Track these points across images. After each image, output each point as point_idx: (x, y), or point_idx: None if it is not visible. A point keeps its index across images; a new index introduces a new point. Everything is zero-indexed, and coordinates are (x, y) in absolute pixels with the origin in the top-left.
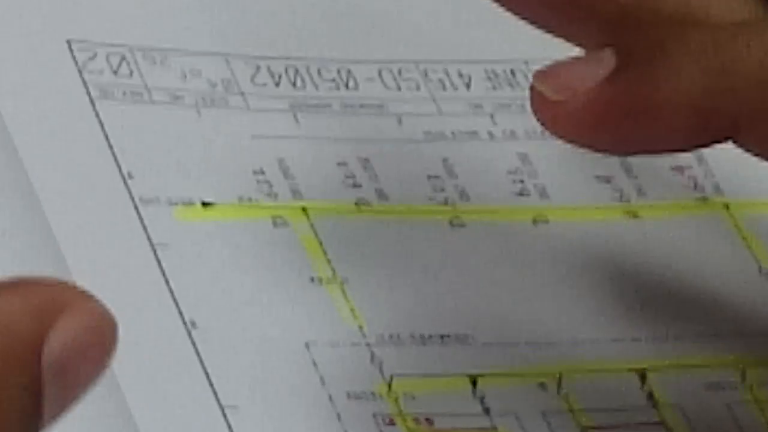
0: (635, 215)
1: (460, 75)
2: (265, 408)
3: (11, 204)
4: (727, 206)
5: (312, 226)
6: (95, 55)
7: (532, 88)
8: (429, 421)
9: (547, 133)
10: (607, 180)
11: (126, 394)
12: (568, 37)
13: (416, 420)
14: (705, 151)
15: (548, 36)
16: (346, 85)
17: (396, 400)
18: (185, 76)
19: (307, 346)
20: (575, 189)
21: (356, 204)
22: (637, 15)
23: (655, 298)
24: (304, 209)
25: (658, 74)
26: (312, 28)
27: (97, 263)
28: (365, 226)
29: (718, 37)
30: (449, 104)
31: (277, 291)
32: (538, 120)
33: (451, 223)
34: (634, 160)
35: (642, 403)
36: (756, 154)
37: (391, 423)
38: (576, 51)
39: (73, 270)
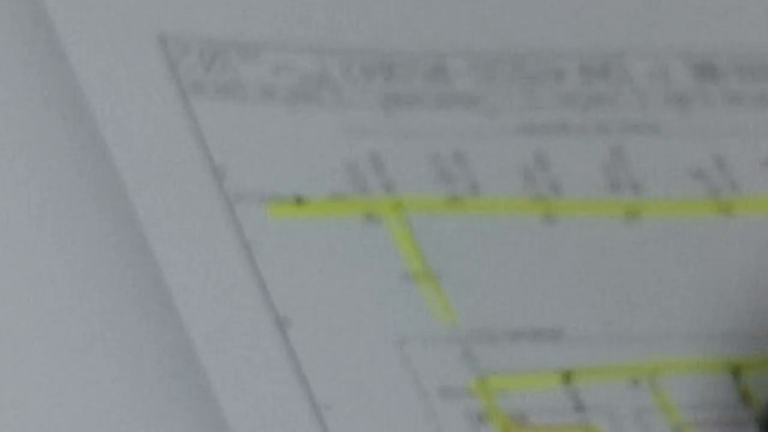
0: (728, 211)
1: (553, 68)
2: (358, 406)
3: (102, 201)
4: None
5: (404, 221)
6: (188, 50)
7: None
8: (522, 418)
9: (640, 126)
10: (701, 175)
11: (218, 393)
12: None
13: (509, 417)
14: None
15: (641, 30)
16: (439, 79)
17: (489, 396)
18: (278, 71)
19: (399, 342)
20: (668, 184)
21: (449, 198)
22: None
23: (748, 294)
24: (396, 204)
25: None
26: (404, 21)
27: (189, 261)
28: (458, 220)
29: None
30: (542, 97)
31: (370, 287)
32: None
33: (543, 218)
34: (728, 155)
35: (736, 400)
36: None
37: (484, 420)
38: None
39: (164, 268)
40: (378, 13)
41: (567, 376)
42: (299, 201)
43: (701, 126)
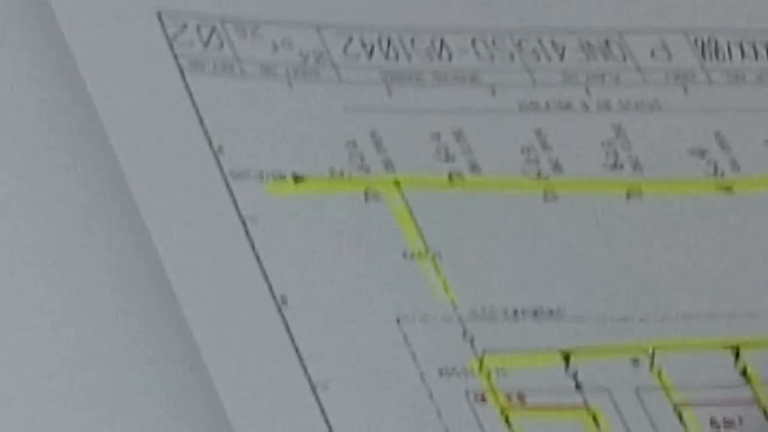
0: (729, 189)
1: (554, 45)
2: (355, 385)
3: (98, 179)
4: None
5: (404, 199)
6: (185, 26)
7: None
8: (521, 397)
9: (641, 103)
10: (702, 153)
11: (213, 371)
12: None
13: (508, 397)
14: None
15: (643, 6)
16: (439, 56)
17: (488, 376)
18: (276, 48)
19: (398, 321)
20: (669, 162)
21: (449, 177)
22: None
23: (749, 273)
24: (396, 182)
25: None
26: None
27: (186, 238)
28: (458, 199)
29: None
30: (543, 75)
31: (369, 266)
32: None
33: (544, 197)
34: (729, 133)
35: (735, 380)
36: None
37: (483, 399)
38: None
39: (160, 246)
40: None
41: (566, 356)
42: (298, 179)
43: (703, 104)
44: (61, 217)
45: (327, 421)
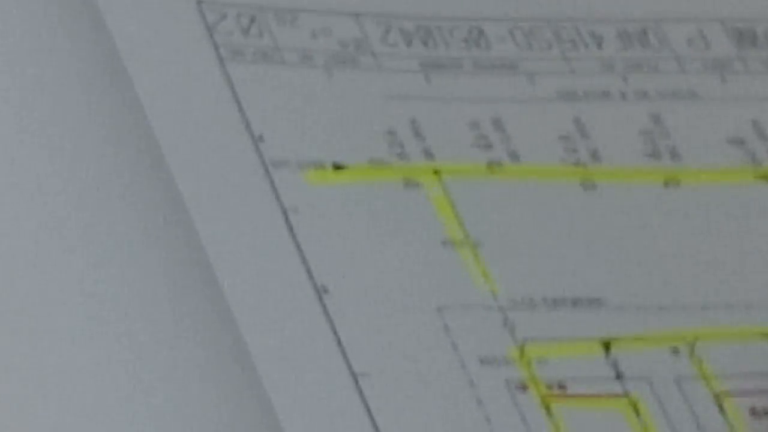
0: (767, 178)
1: (592, 34)
2: (396, 374)
3: (140, 168)
4: None
5: (444, 187)
6: (225, 15)
7: None
8: (561, 386)
9: (679, 92)
10: (740, 142)
11: (256, 361)
12: None
13: (548, 386)
14: None
15: None
16: (478, 44)
17: (528, 365)
18: (316, 36)
19: (439, 310)
20: (707, 151)
21: (488, 165)
22: None
23: None
24: (436, 171)
25: None
26: None
27: (227, 227)
28: (497, 187)
29: None
30: (581, 63)
31: (409, 254)
32: None
33: (582, 185)
34: (766, 122)
35: None
36: None
37: (524, 388)
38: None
39: (202, 235)
40: None
41: (607, 345)
42: (337, 167)
43: (740, 93)
44: (104, 207)
45: (368, 410)
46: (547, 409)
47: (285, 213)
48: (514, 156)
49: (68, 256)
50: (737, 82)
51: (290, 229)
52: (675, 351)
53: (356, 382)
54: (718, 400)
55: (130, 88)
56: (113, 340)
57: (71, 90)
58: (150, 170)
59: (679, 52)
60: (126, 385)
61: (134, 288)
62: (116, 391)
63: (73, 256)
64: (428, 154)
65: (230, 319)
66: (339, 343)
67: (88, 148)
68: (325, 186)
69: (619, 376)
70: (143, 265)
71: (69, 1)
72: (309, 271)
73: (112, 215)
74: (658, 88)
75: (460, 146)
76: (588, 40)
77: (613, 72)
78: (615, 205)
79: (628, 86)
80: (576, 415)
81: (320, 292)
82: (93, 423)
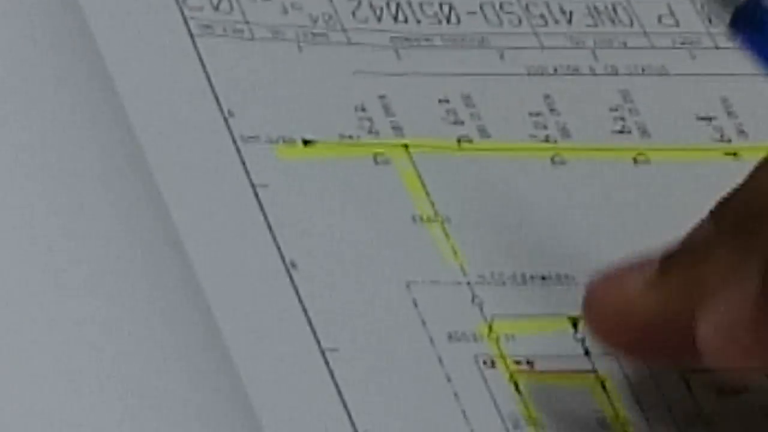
0: (736, 155)
1: (562, 10)
2: (365, 349)
3: (110, 143)
4: None
5: (413, 163)
6: None
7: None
8: (530, 363)
9: (648, 69)
10: (709, 119)
11: (225, 335)
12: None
13: (517, 362)
14: None
15: None
16: (448, 20)
17: (497, 341)
18: (286, 11)
19: (407, 285)
20: (676, 128)
21: (458, 141)
22: None
23: None
24: (405, 146)
25: None
26: None
27: (197, 202)
28: (467, 163)
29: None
30: (551, 39)
31: (378, 230)
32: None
33: (552, 161)
34: (736, 99)
35: None
36: None
37: (492, 364)
38: None
39: (172, 210)
40: None
41: (575, 322)
42: (307, 143)
43: (709, 69)
44: (70, 179)
45: (337, 385)
46: (515, 385)
47: (254, 188)
48: (484, 132)
49: (36, 227)
50: (707, 58)
51: (260, 204)
52: None
53: (325, 357)
54: (684, 377)
55: (101, 62)
56: (82, 317)
57: (41, 65)
58: (120, 146)
59: (649, 29)
60: (94, 358)
61: (102, 263)
62: (86, 371)
63: (40, 229)
64: (398, 130)
65: (200, 293)
66: (308, 318)
67: (59, 123)
68: (294, 161)
69: (587, 353)
70: (112, 240)
71: None
72: (278, 247)
73: (81, 190)
74: (627, 65)
75: (430, 122)
76: (558, 15)
77: (582, 48)
78: (584, 181)
79: (598, 62)
80: (544, 391)
81: (289, 267)
82: (56, 394)
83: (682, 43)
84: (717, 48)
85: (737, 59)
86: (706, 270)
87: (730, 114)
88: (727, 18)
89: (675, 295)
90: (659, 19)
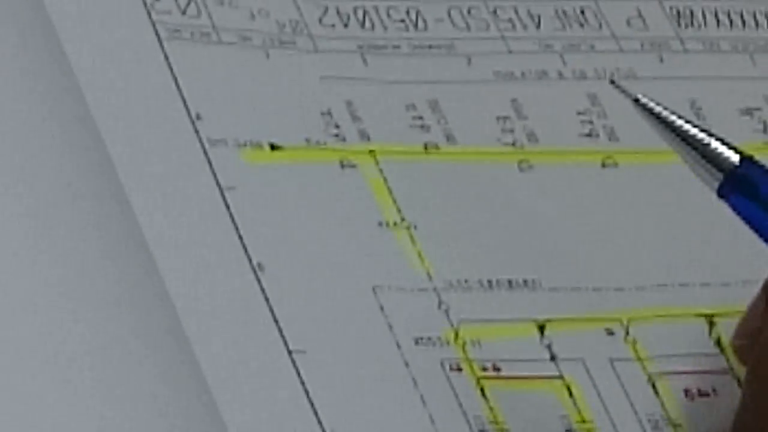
0: None
1: (530, 14)
2: (332, 352)
3: (77, 145)
4: None
5: (380, 169)
6: None
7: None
8: (496, 368)
9: (616, 73)
10: None
11: (191, 337)
12: None
13: (483, 367)
14: None
15: None
16: (416, 26)
17: (463, 346)
18: (253, 17)
19: (374, 290)
20: (644, 131)
21: (424, 147)
22: None
23: (722, 243)
24: (371, 152)
25: None
26: None
27: (164, 205)
28: (433, 169)
29: None
30: (519, 44)
31: (345, 235)
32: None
33: (519, 166)
34: (705, 101)
35: (710, 350)
36: None
37: (458, 369)
38: None
39: (138, 212)
40: None
41: (541, 327)
42: (274, 147)
43: (678, 72)
44: (38, 183)
45: (304, 387)
46: (482, 390)
47: (222, 191)
48: (451, 138)
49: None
50: (675, 62)
51: (227, 207)
52: (609, 332)
53: (292, 359)
54: (651, 380)
55: (68, 65)
56: (45, 319)
57: (5, 68)
58: (87, 148)
59: (618, 32)
60: (60, 360)
61: (66, 265)
62: (51, 372)
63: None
64: (364, 136)
65: (166, 295)
66: (275, 320)
67: (25, 127)
68: (262, 165)
69: (553, 358)
70: (78, 242)
71: None
72: (245, 249)
73: (46, 193)
74: (596, 69)
75: (397, 128)
76: (526, 20)
77: (551, 52)
78: (552, 186)
79: (566, 67)
80: (510, 396)
81: (256, 269)
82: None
83: (651, 46)
84: (686, 51)
85: (705, 62)
86: None
87: (699, 117)
88: (716, 184)
89: None
90: (628, 22)
